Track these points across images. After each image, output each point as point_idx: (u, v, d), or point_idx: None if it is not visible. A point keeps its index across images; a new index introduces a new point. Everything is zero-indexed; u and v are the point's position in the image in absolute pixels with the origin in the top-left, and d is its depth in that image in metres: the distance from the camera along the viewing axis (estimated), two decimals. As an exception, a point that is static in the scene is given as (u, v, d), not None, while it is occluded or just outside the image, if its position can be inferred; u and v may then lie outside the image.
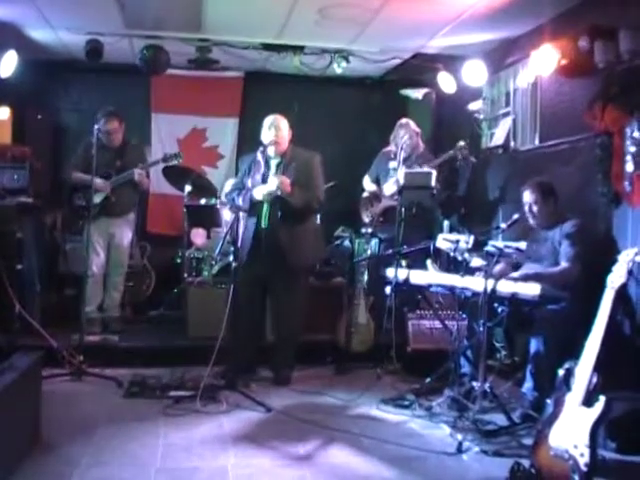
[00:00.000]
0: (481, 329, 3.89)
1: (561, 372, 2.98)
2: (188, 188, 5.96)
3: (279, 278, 4.71)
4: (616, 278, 3.00)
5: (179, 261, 6.12)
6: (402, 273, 4.44)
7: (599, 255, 3.97)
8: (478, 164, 5.85)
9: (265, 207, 4.63)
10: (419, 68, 6.22)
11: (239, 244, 4.58)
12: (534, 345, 4.00)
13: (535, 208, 4.22)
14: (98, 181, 5.26)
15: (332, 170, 5.61)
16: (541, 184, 4.25)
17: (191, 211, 5.96)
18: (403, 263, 4.80)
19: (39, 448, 3.38)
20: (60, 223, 6.29)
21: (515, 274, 4.01)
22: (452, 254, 4.55)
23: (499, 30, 5.25)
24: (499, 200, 5.59)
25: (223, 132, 7.17)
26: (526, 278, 3.87)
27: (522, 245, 4.45)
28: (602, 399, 2.75)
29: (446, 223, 5.86)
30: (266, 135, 4.66)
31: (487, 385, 3.86)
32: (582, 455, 2.70)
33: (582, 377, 2.86)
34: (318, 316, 5.20)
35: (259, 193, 4.57)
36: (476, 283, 3.93)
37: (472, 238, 4.45)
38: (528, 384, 4.04)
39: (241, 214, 4.62)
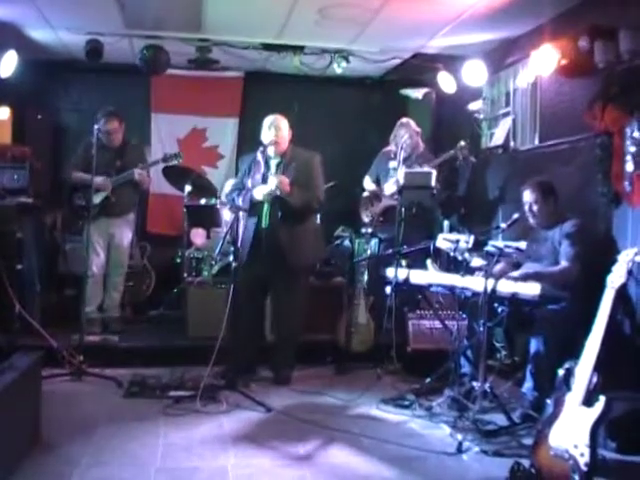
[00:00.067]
0: (481, 329, 3.89)
1: (561, 372, 2.98)
2: (188, 188, 5.96)
3: (279, 278, 4.71)
4: (616, 278, 3.00)
5: (179, 261, 6.12)
6: (402, 273, 4.44)
7: (599, 255, 3.97)
8: (478, 164, 5.85)
9: (265, 207, 4.63)
10: (419, 68, 6.22)
11: (239, 244, 4.58)
12: (534, 345, 4.00)
13: (535, 207, 4.22)
14: (99, 179, 5.27)
15: (332, 170, 5.62)
16: (541, 184, 4.25)
17: (191, 211, 5.96)
18: (403, 263, 4.80)
19: (39, 448, 3.38)
20: (60, 223, 6.29)
21: (515, 274, 4.01)
22: (452, 254, 4.55)
23: (499, 30, 5.25)
24: (499, 200, 5.60)
25: (223, 132, 7.17)
26: (526, 278, 3.87)
27: (522, 245, 4.45)
28: (602, 399, 2.75)
29: (446, 223, 5.87)
30: (266, 135, 4.66)
31: (487, 385, 3.86)
32: (582, 455, 2.70)
33: (582, 377, 2.86)
34: (318, 316, 5.19)
35: (259, 193, 4.57)
36: (476, 283, 3.93)
37: (472, 238, 4.44)
38: (528, 384, 4.03)
39: (241, 214, 4.61)
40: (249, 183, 4.58)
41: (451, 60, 5.94)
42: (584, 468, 2.68)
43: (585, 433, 2.72)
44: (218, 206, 5.79)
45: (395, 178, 5.45)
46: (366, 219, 5.90)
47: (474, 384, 3.94)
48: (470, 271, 4.19)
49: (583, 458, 2.69)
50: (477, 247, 4.41)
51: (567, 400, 2.89)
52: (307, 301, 4.91)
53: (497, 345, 5.00)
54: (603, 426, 2.93)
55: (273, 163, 4.72)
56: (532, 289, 3.67)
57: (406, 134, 5.59)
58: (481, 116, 5.93)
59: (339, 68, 6.06)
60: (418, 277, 4.39)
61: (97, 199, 5.33)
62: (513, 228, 4.22)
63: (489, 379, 3.96)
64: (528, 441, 3.44)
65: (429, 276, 4.43)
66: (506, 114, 5.60)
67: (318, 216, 5.42)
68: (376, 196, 5.87)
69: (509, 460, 3.13)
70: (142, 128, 6.83)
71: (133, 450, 3.42)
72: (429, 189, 5.28)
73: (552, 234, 4.19)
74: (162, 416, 3.95)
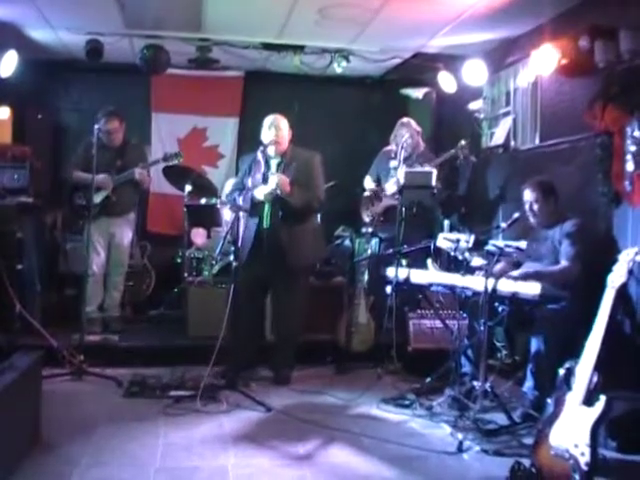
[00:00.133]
0: (482, 328, 3.90)
1: (562, 371, 2.98)
2: (188, 188, 5.96)
3: (279, 278, 4.71)
4: (616, 277, 3.00)
5: (179, 261, 6.12)
6: (403, 272, 4.44)
7: (599, 254, 3.97)
8: (478, 163, 5.85)
9: (266, 207, 4.63)
10: (419, 67, 6.22)
11: (239, 244, 4.58)
12: (535, 344, 4.00)
13: (535, 207, 4.22)
14: (101, 177, 5.27)
15: (332, 170, 5.61)
16: (542, 183, 4.25)
17: (191, 211, 5.96)
18: (404, 262, 4.81)
19: (39, 448, 3.38)
20: (60, 223, 6.29)
21: (515, 273, 4.01)
22: (452, 253, 4.55)
23: (499, 30, 5.25)
24: (499, 199, 5.59)
25: (223, 132, 7.17)
26: (526, 277, 3.87)
27: (522, 244, 4.45)
28: (603, 398, 2.75)
29: (446, 222, 5.87)
30: (266, 135, 4.66)
31: (488, 384, 3.86)
32: (583, 454, 2.70)
33: (583, 376, 2.86)
34: (318, 316, 5.19)
35: (260, 193, 4.56)
36: (477, 282, 3.93)
37: (472, 237, 4.44)
38: (529, 383, 4.04)
39: (241, 214, 4.61)
40: (249, 183, 4.58)
41: (451, 60, 5.94)
42: (585, 467, 2.67)
43: (586, 432, 2.72)
44: (218, 206, 5.78)
45: (396, 178, 5.45)
46: (367, 219, 5.89)
47: (475, 383, 3.94)
48: (470, 270, 4.19)
49: (584, 457, 2.69)
50: (477, 246, 4.40)
51: (568, 399, 2.89)
52: (307, 301, 4.91)
53: (498, 344, 5.00)
54: (603, 425, 2.92)
55: (273, 163, 4.72)
56: (532, 288, 3.67)
57: (407, 133, 5.59)
58: (481, 116, 5.93)
59: (339, 68, 6.06)
60: (419, 276, 4.39)
61: (97, 198, 5.33)
62: (513, 227, 4.22)
63: (490, 378, 3.96)
64: (529, 440, 3.44)
65: (429, 275, 4.43)
66: (506, 114, 5.60)
67: (318, 216, 5.42)
68: (377, 196, 5.87)
69: (510, 459, 3.13)
70: (142, 128, 6.83)
71: (133, 450, 3.42)
72: (430, 189, 5.28)
73: (552, 233, 4.19)
74: (162, 416, 3.95)
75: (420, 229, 5.40)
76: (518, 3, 4.56)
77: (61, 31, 5.58)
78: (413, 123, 5.76)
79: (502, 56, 5.60)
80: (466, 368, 4.28)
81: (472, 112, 6.01)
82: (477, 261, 4.28)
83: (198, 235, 6.31)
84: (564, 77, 4.65)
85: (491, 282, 3.79)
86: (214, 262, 5.82)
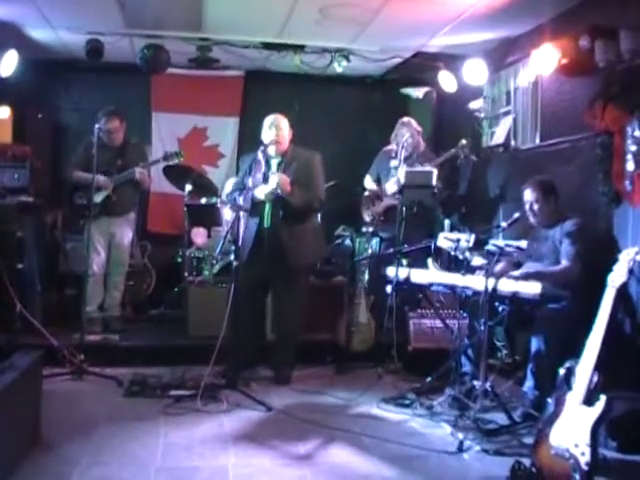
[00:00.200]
0: (482, 328, 3.90)
1: (562, 371, 2.98)
2: (189, 187, 5.96)
3: (280, 277, 4.71)
4: (617, 277, 3.00)
5: (180, 260, 6.12)
6: (403, 272, 4.44)
7: (600, 254, 3.97)
8: (479, 163, 5.85)
9: (267, 207, 4.63)
10: (420, 67, 6.22)
11: (240, 243, 4.58)
12: (535, 344, 4.00)
13: (536, 206, 4.22)
14: (101, 178, 5.28)
15: (332, 169, 5.61)
16: (542, 182, 4.24)
17: (192, 210, 5.97)
18: (404, 262, 4.81)
19: (39, 448, 3.38)
20: (61, 222, 6.29)
21: (516, 273, 4.01)
22: (453, 253, 4.54)
23: (499, 29, 5.25)
24: (500, 199, 5.59)
25: (224, 131, 7.17)
26: (527, 277, 3.87)
27: (523, 244, 4.45)
28: (603, 398, 2.75)
29: (447, 222, 5.87)
30: (267, 134, 4.66)
31: (488, 384, 3.86)
32: (583, 454, 2.70)
33: (583, 376, 2.86)
34: (319, 315, 5.19)
35: (261, 193, 4.57)
36: (477, 282, 3.93)
37: (473, 237, 4.43)
38: (529, 383, 4.04)
39: (241, 213, 4.61)
40: (250, 182, 4.58)
41: (452, 59, 5.94)
42: (585, 467, 2.67)
43: (586, 432, 2.72)
44: (219, 205, 5.79)
45: (396, 177, 5.44)
46: (367, 218, 5.89)
47: (475, 383, 3.94)
48: (471, 270, 4.19)
49: (584, 457, 2.69)
50: (478, 246, 4.40)
51: (568, 399, 2.89)
52: (308, 300, 4.91)
53: (498, 344, 5.00)
54: (604, 425, 2.93)
55: (274, 162, 4.72)
56: (533, 288, 3.67)
57: (407, 133, 5.58)
58: (482, 115, 5.93)
59: (339, 67, 6.06)
60: (419, 276, 4.39)
61: (98, 198, 5.33)
62: (514, 227, 4.22)
63: (490, 378, 3.96)
64: (529, 440, 3.43)
65: (430, 275, 4.43)
66: (507, 113, 5.60)
67: (319, 215, 5.42)
68: (377, 195, 5.87)
69: (510, 459, 3.13)
70: (143, 127, 6.83)
71: (133, 449, 3.42)
72: (430, 188, 5.28)
73: (553, 233, 4.19)
74: (162, 415, 3.95)
75: (420, 229, 5.40)
76: (518, 3, 4.55)
77: (61, 31, 5.58)
78: (413, 123, 5.76)
79: (502, 56, 5.60)
80: (466, 368, 4.28)
81: (472, 111, 6.01)
82: (477, 261, 4.27)
83: (198, 235, 6.31)
84: (564, 77, 4.65)
85: (491, 282, 3.79)
86: (214, 262, 5.82)
